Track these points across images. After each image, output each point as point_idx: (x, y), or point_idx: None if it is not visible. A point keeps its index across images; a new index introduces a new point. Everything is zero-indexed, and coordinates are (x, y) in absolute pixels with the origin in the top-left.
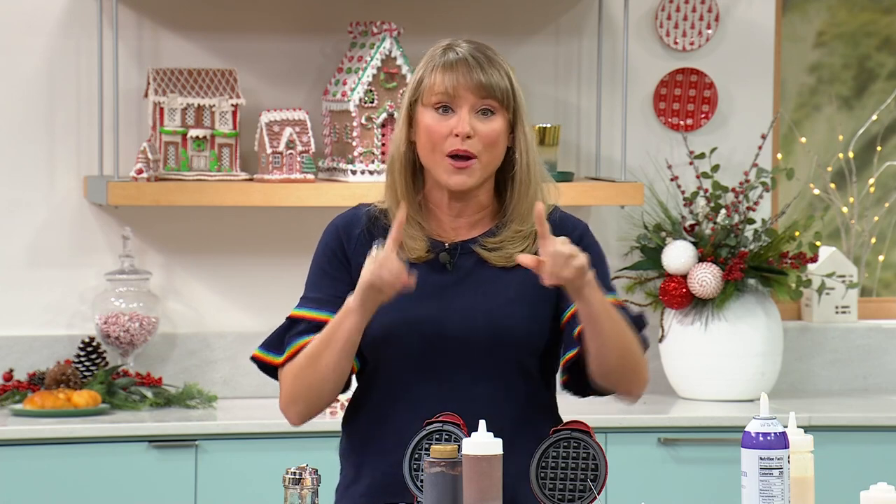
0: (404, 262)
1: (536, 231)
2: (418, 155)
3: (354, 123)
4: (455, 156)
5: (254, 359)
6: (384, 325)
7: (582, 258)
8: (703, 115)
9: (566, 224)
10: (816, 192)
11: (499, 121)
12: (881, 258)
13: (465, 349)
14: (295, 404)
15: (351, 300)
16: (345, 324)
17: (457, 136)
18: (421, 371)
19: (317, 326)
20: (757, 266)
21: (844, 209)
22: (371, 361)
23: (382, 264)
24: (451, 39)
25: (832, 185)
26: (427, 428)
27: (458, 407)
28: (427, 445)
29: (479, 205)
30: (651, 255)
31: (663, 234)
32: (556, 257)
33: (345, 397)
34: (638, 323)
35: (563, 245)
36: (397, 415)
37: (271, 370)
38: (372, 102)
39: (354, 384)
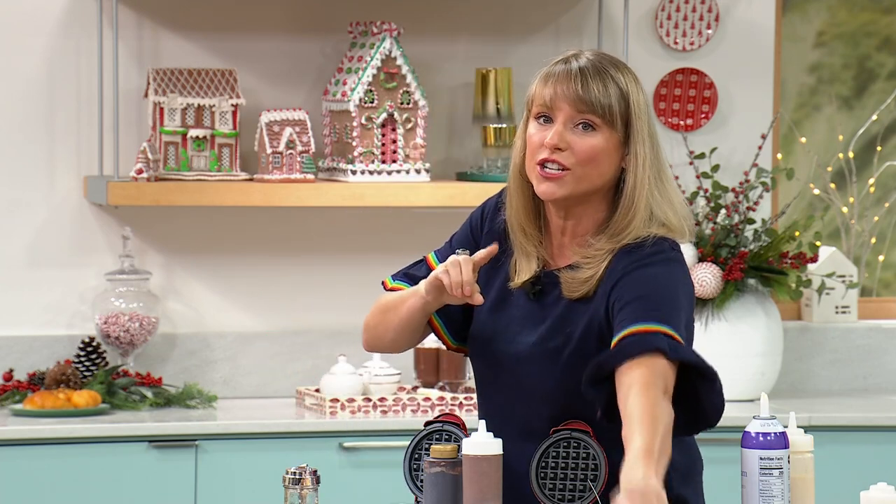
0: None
1: (617, 249)
2: None
3: (354, 123)
4: (544, 165)
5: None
6: (472, 338)
7: None
8: (703, 115)
9: (629, 254)
10: (816, 192)
11: (599, 137)
12: (881, 258)
13: (518, 380)
14: (366, 332)
15: (424, 281)
16: (410, 300)
17: (546, 146)
18: (492, 388)
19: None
20: (757, 266)
21: (844, 209)
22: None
23: (454, 265)
24: (574, 50)
25: (832, 185)
26: (427, 428)
27: (517, 428)
28: (427, 445)
29: (583, 228)
30: None
31: None
32: None
33: (346, 398)
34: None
35: None
36: (485, 420)
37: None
38: (372, 102)
39: None
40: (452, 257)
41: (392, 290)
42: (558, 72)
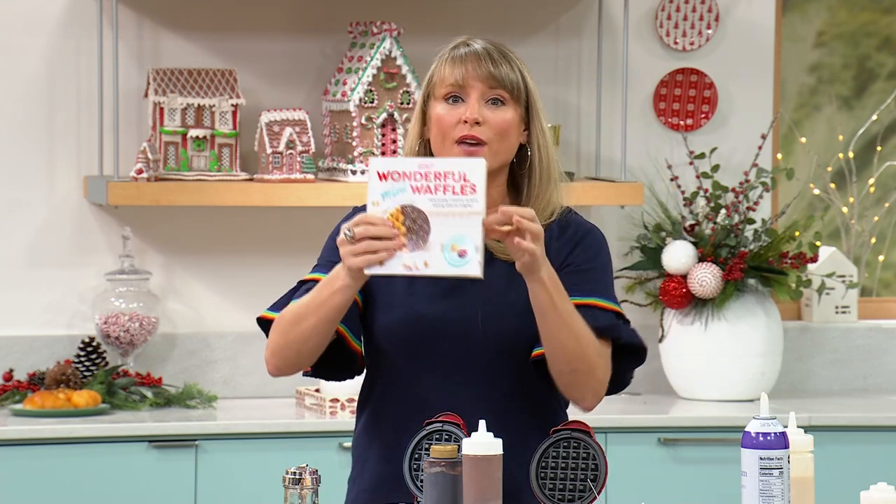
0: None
1: (548, 224)
2: (432, 151)
3: (354, 123)
4: (464, 142)
5: (259, 319)
6: (389, 322)
7: (532, 246)
8: (703, 115)
9: (571, 225)
10: (816, 192)
11: (510, 112)
12: (881, 258)
13: (465, 349)
14: (275, 356)
15: (341, 274)
16: (332, 296)
17: (465, 122)
18: (422, 369)
19: None
20: (757, 266)
21: (844, 209)
22: (376, 356)
23: (363, 224)
24: (466, 37)
25: (832, 185)
26: (427, 428)
27: (459, 405)
28: (427, 445)
29: (492, 200)
30: (651, 255)
31: (663, 234)
32: (505, 214)
33: (346, 398)
34: (615, 332)
35: (525, 214)
36: (399, 411)
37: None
38: (372, 102)
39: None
40: (352, 223)
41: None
42: (465, 53)
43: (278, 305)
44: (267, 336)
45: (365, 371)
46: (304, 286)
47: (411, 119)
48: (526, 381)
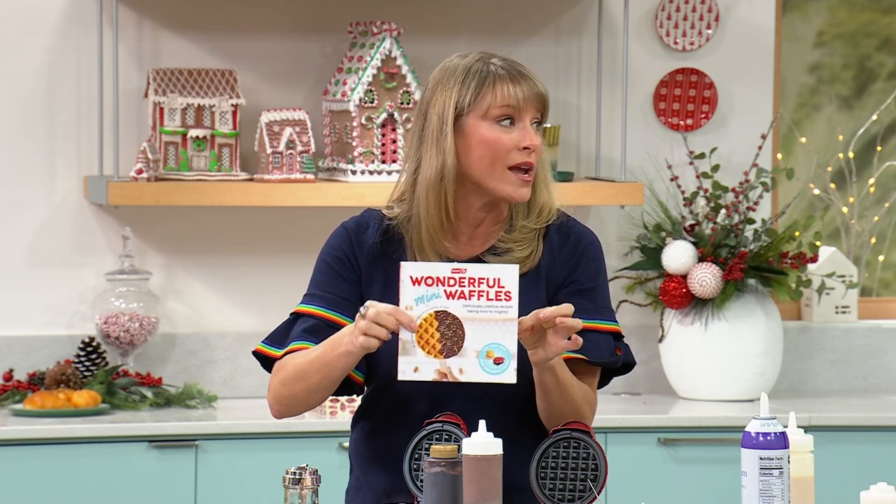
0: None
1: (546, 227)
2: (470, 170)
3: (354, 123)
4: (520, 168)
5: (256, 353)
6: (387, 345)
7: (567, 346)
8: (703, 115)
9: (571, 234)
10: (816, 192)
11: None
12: (881, 258)
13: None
14: (278, 404)
15: (347, 339)
16: (341, 360)
17: (525, 148)
18: (422, 389)
19: (322, 324)
20: (757, 266)
21: (844, 209)
22: (377, 374)
23: (385, 316)
24: (482, 53)
25: (832, 185)
26: (427, 428)
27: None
28: (427, 445)
29: (500, 216)
30: (651, 255)
31: (663, 234)
32: (559, 311)
33: (346, 398)
34: (613, 361)
35: (563, 311)
36: (401, 427)
37: (271, 363)
38: (372, 102)
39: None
40: (379, 311)
41: (290, 351)
42: (513, 72)
43: (275, 339)
44: (265, 369)
45: (366, 382)
46: (299, 320)
47: (425, 125)
48: (533, 407)
